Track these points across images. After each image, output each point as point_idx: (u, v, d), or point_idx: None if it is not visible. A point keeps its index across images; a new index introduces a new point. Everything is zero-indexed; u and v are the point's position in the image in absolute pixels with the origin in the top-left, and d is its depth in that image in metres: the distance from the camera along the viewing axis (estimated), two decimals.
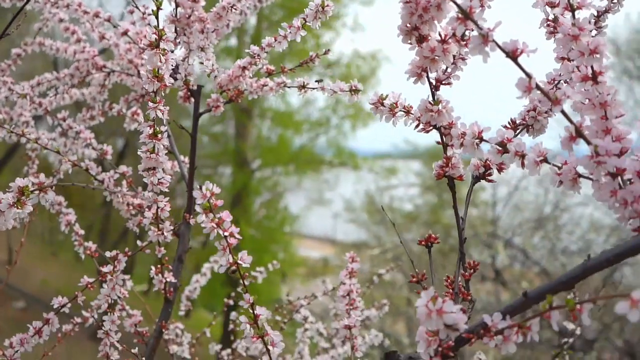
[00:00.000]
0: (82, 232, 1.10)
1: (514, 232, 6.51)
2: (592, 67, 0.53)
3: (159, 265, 0.96)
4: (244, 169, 11.08)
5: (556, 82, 0.68)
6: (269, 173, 12.17)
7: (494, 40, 0.50)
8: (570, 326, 1.11)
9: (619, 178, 0.51)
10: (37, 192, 0.67)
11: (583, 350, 5.59)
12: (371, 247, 8.13)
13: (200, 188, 0.61)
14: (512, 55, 0.50)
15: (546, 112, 0.67)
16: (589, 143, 0.51)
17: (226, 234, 0.61)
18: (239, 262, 0.62)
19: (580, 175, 0.54)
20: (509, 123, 0.68)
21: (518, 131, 0.68)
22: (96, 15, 1.10)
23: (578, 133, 0.51)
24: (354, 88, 0.84)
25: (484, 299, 6.99)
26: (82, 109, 1.22)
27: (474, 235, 6.36)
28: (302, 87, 0.95)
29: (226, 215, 0.62)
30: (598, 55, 0.52)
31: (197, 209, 0.61)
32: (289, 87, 0.96)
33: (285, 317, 1.31)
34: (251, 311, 0.64)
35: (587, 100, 0.54)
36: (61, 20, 1.20)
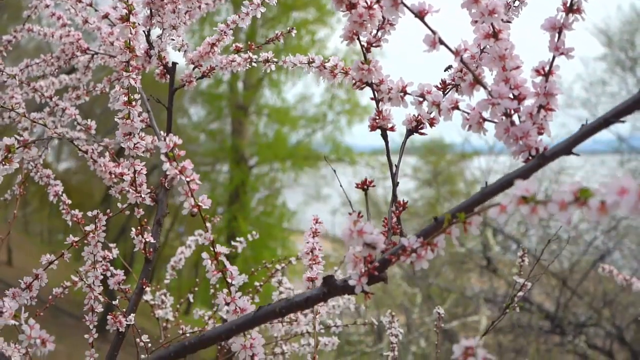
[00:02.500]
0: (69, 201, 1.19)
1: (505, 222, 6.60)
2: (492, 25, 0.62)
3: (139, 227, 1.05)
4: (241, 166, 11.16)
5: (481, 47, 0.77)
6: (266, 170, 12.25)
7: (402, 3, 0.59)
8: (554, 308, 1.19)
9: (512, 118, 0.60)
10: (21, 148, 0.76)
11: (573, 334, 5.70)
12: None
13: (165, 139, 0.70)
14: (420, 15, 0.60)
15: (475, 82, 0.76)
16: (486, 89, 0.60)
17: (188, 179, 0.70)
18: (199, 204, 0.71)
19: (484, 119, 0.63)
20: (440, 83, 0.77)
21: (448, 89, 0.77)
22: (79, 0, 1.19)
23: (477, 80, 0.61)
24: (311, 60, 0.93)
25: (476, 289, 7.10)
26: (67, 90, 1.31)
27: None
28: (267, 61, 1.04)
29: (188, 164, 0.71)
30: (496, 15, 0.61)
31: (162, 157, 0.70)
32: (255, 62, 1.05)
33: (261, 281, 1.40)
34: (212, 249, 0.73)
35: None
36: (47, 6, 1.29)
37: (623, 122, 0.54)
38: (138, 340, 1.04)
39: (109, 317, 1.03)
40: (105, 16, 1.13)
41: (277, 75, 11.20)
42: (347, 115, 11.86)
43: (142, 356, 1.06)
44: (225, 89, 11.48)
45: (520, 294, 1.15)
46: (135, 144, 0.90)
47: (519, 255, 1.21)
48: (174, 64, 1.08)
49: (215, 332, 0.67)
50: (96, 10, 1.19)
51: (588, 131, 0.55)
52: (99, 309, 1.03)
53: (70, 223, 1.17)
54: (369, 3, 0.66)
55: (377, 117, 0.72)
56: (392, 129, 0.73)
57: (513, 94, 0.61)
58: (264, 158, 11.78)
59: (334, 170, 0.99)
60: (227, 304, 0.73)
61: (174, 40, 1.00)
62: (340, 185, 0.85)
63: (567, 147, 0.56)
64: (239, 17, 0.99)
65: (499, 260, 6.68)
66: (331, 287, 0.66)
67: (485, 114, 0.64)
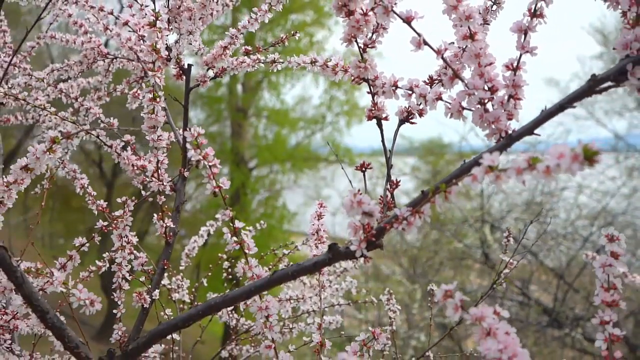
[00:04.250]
0: (94, 193, 1.30)
1: (503, 218, 6.72)
2: (469, 28, 0.74)
3: (160, 213, 1.16)
4: (242, 168, 11.26)
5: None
6: (266, 171, 12.36)
7: (392, 10, 0.71)
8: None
9: (485, 106, 0.71)
10: (64, 139, 0.88)
11: (570, 328, 5.80)
12: None
13: (190, 130, 0.81)
14: (407, 20, 0.71)
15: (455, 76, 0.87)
16: (463, 82, 0.72)
17: (210, 164, 0.82)
18: (220, 185, 0.83)
19: (463, 108, 0.75)
20: (427, 78, 0.89)
21: (435, 84, 0.88)
22: (101, 9, 1.31)
23: (455, 75, 0.72)
24: (314, 60, 1.04)
25: (474, 285, 7.20)
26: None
27: (465, 222, 6.58)
28: (273, 61, 1.15)
29: (210, 150, 0.83)
30: (472, 20, 0.73)
31: (188, 145, 0.81)
32: (263, 62, 1.17)
33: (269, 266, 1.51)
34: (231, 224, 0.85)
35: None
36: (70, 15, 1.41)
37: (574, 107, 0.65)
38: (162, 313, 1.15)
39: (134, 294, 1.14)
40: (126, 23, 1.25)
41: (276, 78, 11.31)
42: (346, 116, 11.98)
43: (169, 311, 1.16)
44: (224, 91, 11.60)
45: (506, 271, 1.26)
46: (158, 136, 1.02)
47: (505, 236, 1.32)
48: (190, 65, 1.20)
49: (237, 293, 0.79)
50: (117, 18, 1.30)
51: (547, 115, 0.67)
52: (126, 286, 1.14)
53: (95, 212, 1.28)
54: (364, 10, 0.77)
55: (373, 108, 0.83)
56: (386, 118, 0.85)
57: (487, 86, 0.73)
58: (263, 160, 11.89)
59: (342, 167, 1.10)
60: (245, 271, 0.84)
61: (191, 44, 1.12)
62: (349, 181, 0.96)
63: (530, 129, 0.68)
64: (249, 22, 1.10)
65: (496, 254, 6.80)
66: (335, 253, 0.77)
67: (464, 103, 0.75)
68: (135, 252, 1.25)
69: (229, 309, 1.51)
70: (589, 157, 0.48)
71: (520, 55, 0.73)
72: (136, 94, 1.37)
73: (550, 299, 6.79)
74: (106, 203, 1.27)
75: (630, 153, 8.65)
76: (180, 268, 1.59)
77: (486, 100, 0.72)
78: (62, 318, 0.89)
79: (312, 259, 0.78)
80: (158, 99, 0.96)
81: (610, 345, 0.66)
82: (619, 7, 0.68)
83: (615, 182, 8.02)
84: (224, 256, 1.61)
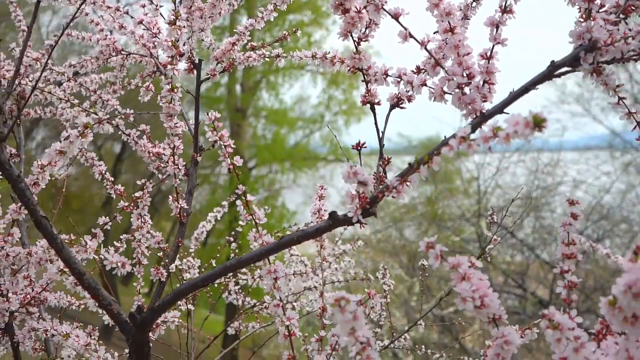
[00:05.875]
0: (112, 178, 1.41)
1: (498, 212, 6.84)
2: (449, 22, 0.85)
3: (175, 195, 1.28)
4: (241, 168, 11.38)
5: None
6: (265, 171, 12.47)
7: (383, 8, 0.82)
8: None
9: (463, 90, 0.83)
10: (96, 124, 0.99)
11: None
12: (369, 241, 8.40)
13: (208, 114, 0.93)
14: (395, 16, 0.83)
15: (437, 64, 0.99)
16: (444, 69, 0.83)
17: (225, 144, 0.94)
18: (234, 162, 0.94)
19: (444, 92, 0.86)
20: (415, 68, 1.00)
21: (421, 72, 1.00)
22: (117, 9, 1.42)
23: (437, 63, 0.84)
24: (314, 54, 1.16)
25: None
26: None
27: (462, 216, 6.71)
28: (277, 56, 1.27)
29: (225, 132, 0.94)
30: (452, 16, 0.85)
31: (206, 127, 0.92)
32: (267, 57, 1.28)
33: None
34: (244, 197, 0.96)
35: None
36: (87, 14, 1.52)
37: (537, 89, 0.77)
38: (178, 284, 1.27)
39: (152, 269, 1.25)
40: (140, 22, 1.37)
41: (274, 78, 11.42)
42: (344, 115, 12.11)
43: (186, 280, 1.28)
44: (223, 92, 11.71)
45: (491, 246, 1.38)
46: (175, 124, 1.13)
47: (489, 215, 1.44)
48: (200, 60, 1.31)
49: (249, 256, 0.90)
50: (132, 17, 1.42)
51: (514, 96, 0.78)
52: (145, 261, 1.26)
53: (113, 195, 1.40)
54: (358, 8, 0.89)
55: (367, 94, 0.95)
56: (378, 103, 0.96)
57: (465, 73, 0.84)
58: (262, 160, 12.01)
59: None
60: (256, 239, 0.96)
61: (203, 40, 1.23)
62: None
63: (499, 109, 0.79)
64: (256, 20, 1.22)
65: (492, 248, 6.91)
66: (335, 220, 0.88)
67: (445, 88, 0.87)
68: (151, 231, 1.36)
69: (236, 287, 1.63)
70: (537, 123, 0.59)
71: (493, 46, 0.84)
72: (149, 87, 1.49)
73: (546, 292, 6.92)
74: (123, 188, 1.39)
75: (626, 149, 8.78)
76: (190, 251, 1.71)
77: (464, 85, 0.83)
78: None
79: (315, 225, 0.90)
80: (175, 90, 1.08)
81: (569, 290, 0.77)
82: (576, 4, 0.80)
83: (610, 177, 8.15)
84: (231, 239, 1.73)
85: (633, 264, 0.55)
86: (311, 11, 11.45)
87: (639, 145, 8.75)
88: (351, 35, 0.92)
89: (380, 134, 0.97)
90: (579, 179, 8.10)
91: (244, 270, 1.70)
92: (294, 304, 1.59)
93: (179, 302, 1.73)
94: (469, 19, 1.00)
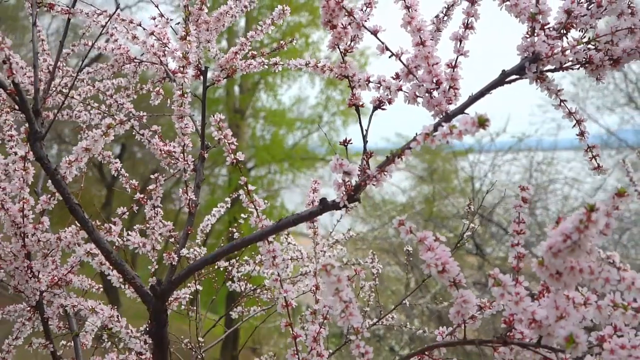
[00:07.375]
0: (127, 174, 1.57)
1: (494, 209, 7.00)
2: (420, 37, 1.01)
3: (184, 188, 1.43)
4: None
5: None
6: (264, 172, 12.61)
7: (363, 25, 0.98)
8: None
9: (432, 94, 0.99)
10: (118, 125, 1.15)
11: None
12: (369, 240, 8.51)
13: (213, 116, 1.08)
14: (374, 32, 0.98)
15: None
16: (415, 77, 0.99)
17: (229, 141, 1.09)
18: (237, 157, 1.10)
19: (416, 96, 1.02)
20: (394, 74, 1.16)
21: (400, 80, 1.15)
22: (131, 21, 1.57)
23: (409, 72, 0.99)
24: (307, 62, 1.31)
25: (466, 274, 7.49)
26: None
27: (457, 214, 6.87)
28: (275, 64, 1.43)
29: (229, 132, 1.09)
30: (422, 31, 1.00)
31: (212, 127, 1.08)
32: (266, 65, 1.44)
33: None
34: (245, 187, 1.12)
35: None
36: (102, 27, 1.67)
37: (491, 94, 0.92)
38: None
39: (165, 254, 1.41)
40: (152, 33, 1.52)
41: (272, 79, 11.56)
42: (342, 116, 12.26)
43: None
44: (221, 93, 11.85)
45: (468, 233, 1.53)
46: (185, 124, 1.29)
47: (467, 204, 1.59)
48: (206, 67, 1.47)
49: (252, 236, 1.06)
50: (144, 29, 1.57)
51: (471, 100, 0.94)
52: (158, 247, 1.41)
53: (129, 189, 1.55)
54: (344, 25, 1.05)
55: (352, 98, 1.11)
56: (362, 105, 1.12)
57: (434, 80, 1.00)
58: (261, 160, 12.15)
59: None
60: (257, 223, 1.11)
61: (209, 51, 1.39)
62: None
63: (460, 110, 0.95)
64: (255, 32, 1.38)
65: (486, 245, 7.08)
66: (325, 205, 1.04)
67: (417, 93, 1.02)
68: (162, 221, 1.51)
69: (240, 274, 1.79)
70: (481, 123, 0.75)
71: (457, 57, 1.00)
72: (159, 92, 1.64)
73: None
74: (137, 182, 1.54)
75: (621, 148, 8.94)
76: (197, 241, 1.86)
77: (432, 90, 0.99)
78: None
79: (307, 210, 1.05)
80: (185, 95, 1.23)
81: (518, 260, 0.93)
82: (525, 22, 0.95)
83: (604, 175, 8.30)
84: (234, 230, 1.89)
85: (554, 230, 0.71)
86: (309, 12, 11.58)
87: (634, 144, 8.92)
88: (338, 47, 1.07)
89: (364, 132, 1.13)
90: (573, 177, 8.27)
91: (245, 258, 1.85)
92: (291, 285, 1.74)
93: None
94: (440, 31, 1.15)
